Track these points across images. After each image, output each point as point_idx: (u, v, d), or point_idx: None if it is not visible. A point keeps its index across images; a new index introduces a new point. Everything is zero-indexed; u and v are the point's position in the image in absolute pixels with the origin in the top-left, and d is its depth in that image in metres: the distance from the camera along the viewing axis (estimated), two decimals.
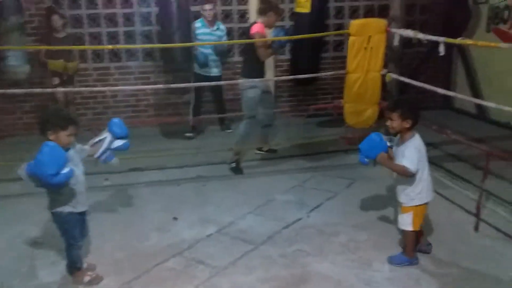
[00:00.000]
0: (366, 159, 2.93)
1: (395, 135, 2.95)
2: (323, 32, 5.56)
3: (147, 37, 6.44)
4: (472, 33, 6.51)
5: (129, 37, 6.38)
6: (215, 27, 5.76)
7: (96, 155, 2.87)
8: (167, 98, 6.56)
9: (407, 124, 2.76)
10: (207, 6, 5.60)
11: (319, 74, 5.22)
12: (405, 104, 2.83)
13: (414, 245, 2.95)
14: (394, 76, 4.55)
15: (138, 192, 4.28)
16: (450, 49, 6.81)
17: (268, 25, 4.61)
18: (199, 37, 5.65)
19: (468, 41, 3.21)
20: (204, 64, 5.69)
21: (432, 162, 4.03)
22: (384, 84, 4.71)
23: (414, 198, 2.84)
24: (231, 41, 6.35)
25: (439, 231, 3.33)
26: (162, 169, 4.78)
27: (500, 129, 5.79)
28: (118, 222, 3.66)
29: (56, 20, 5.55)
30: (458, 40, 3.31)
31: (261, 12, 4.58)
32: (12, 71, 5.01)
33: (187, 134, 5.90)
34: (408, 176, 2.78)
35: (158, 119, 6.56)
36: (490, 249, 3.11)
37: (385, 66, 4.61)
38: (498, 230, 3.31)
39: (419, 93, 6.33)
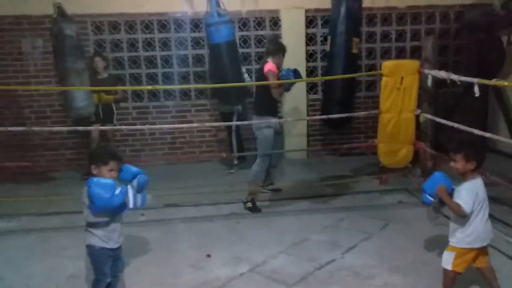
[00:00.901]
0: (430, 198, 2.88)
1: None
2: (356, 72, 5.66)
3: (184, 78, 6.71)
4: (507, 74, 6.45)
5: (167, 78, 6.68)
6: None
7: (131, 206, 2.83)
8: (202, 136, 6.76)
9: (471, 166, 2.72)
10: None
11: (352, 114, 5.26)
12: (470, 145, 2.80)
13: (451, 286, 2.86)
14: (428, 116, 4.55)
15: (173, 228, 4.36)
16: (486, 90, 6.75)
17: (277, 65, 4.71)
18: None
19: (504, 83, 3.20)
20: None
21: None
22: (418, 124, 4.70)
23: (462, 240, 2.77)
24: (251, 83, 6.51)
25: (480, 277, 3.21)
26: (196, 206, 4.86)
27: None
28: (153, 258, 3.72)
29: (98, 62, 5.88)
30: (493, 82, 3.31)
31: (271, 53, 4.73)
32: (79, 111, 5.26)
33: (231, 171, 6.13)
34: (461, 216, 2.72)
35: (193, 155, 6.72)
36: None
37: (418, 106, 4.63)
38: None
39: (454, 133, 6.32)
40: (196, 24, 6.60)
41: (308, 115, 6.78)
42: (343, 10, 5.18)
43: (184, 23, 6.57)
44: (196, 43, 6.68)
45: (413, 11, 6.83)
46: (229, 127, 6.19)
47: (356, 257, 3.63)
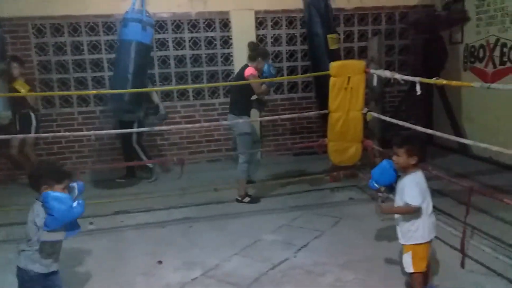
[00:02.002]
0: (376, 184, 2.98)
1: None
2: None
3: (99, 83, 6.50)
4: (450, 72, 6.74)
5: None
6: None
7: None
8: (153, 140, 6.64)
9: (413, 161, 2.75)
10: None
11: (302, 114, 5.32)
12: (412, 140, 2.81)
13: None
14: (375, 114, 4.67)
15: (123, 235, 4.23)
16: (430, 88, 7.03)
17: (258, 69, 4.92)
18: None
19: (443, 81, 3.32)
20: None
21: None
22: (366, 123, 4.82)
23: (412, 236, 2.76)
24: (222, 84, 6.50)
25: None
26: (148, 211, 4.75)
27: (482, 163, 5.90)
28: (102, 268, 3.59)
29: (13, 68, 5.50)
30: (433, 80, 3.43)
31: (251, 58, 4.97)
32: None
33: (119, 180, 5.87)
34: (414, 212, 2.73)
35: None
36: (477, 285, 3.10)
37: (366, 105, 4.74)
38: (484, 265, 3.31)
39: (401, 130, 6.54)
40: None
41: (260, 116, 6.79)
42: (312, 11, 5.33)
43: None
44: None
45: (360, 12, 7.00)
46: (129, 137, 5.81)
47: (309, 255, 3.66)
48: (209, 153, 6.64)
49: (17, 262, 2.62)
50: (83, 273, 3.46)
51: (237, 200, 4.97)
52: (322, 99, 5.36)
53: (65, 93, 6.29)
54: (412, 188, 2.72)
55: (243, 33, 6.46)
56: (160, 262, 3.65)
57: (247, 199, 4.96)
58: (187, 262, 3.62)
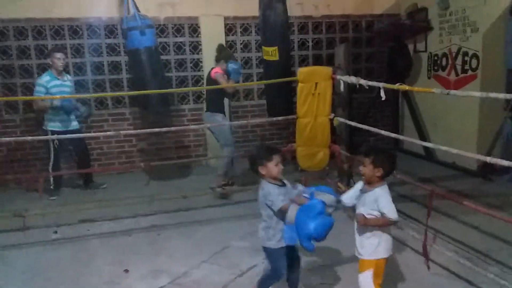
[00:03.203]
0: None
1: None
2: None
3: (99, 86, 6.45)
4: (414, 80, 6.93)
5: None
6: (64, 78, 5.47)
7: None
8: (121, 146, 6.53)
9: (378, 173, 2.62)
10: (59, 55, 5.33)
11: (271, 119, 5.34)
12: (379, 152, 2.71)
13: None
14: (342, 120, 4.74)
15: (88, 244, 4.13)
16: (397, 95, 7.20)
17: (222, 70, 5.28)
18: (52, 90, 5.26)
19: (405, 87, 3.41)
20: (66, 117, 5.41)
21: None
22: (333, 128, 4.89)
23: (376, 250, 2.65)
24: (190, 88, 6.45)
25: (390, 271, 3.37)
26: (114, 219, 4.65)
27: (447, 169, 6.06)
28: (65, 278, 3.49)
29: None
30: (396, 86, 3.51)
31: (216, 60, 5.46)
32: None
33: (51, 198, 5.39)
34: (392, 224, 2.62)
35: (112, 167, 6.45)
36: None
37: (333, 110, 4.81)
38: (446, 269, 3.40)
39: (369, 136, 6.66)
40: (111, 30, 6.37)
41: (231, 116, 6.79)
42: (260, 20, 5.30)
43: (98, 28, 6.31)
44: (112, 49, 6.44)
45: (327, 20, 7.12)
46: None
47: None
48: (179, 159, 6.58)
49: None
50: (46, 284, 3.35)
51: (211, 188, 5.30)
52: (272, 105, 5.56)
53: (28, 98, 6.08)
54: (389, 201, 2.61)
55: (212, 38, 6.44)
56: (126, 271, 3.58)
57: (222, 189, 5.25)
58: (154, 270, 3.56)
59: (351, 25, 7.24)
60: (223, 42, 6.58)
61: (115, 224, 4.57)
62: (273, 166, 2.70)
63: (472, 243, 3.77)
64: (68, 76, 5.68)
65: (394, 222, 2.62)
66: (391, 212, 2.57)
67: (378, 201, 2.60)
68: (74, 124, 5.49)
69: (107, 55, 6.42)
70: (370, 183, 2.69)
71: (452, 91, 3.12)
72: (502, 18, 5.59)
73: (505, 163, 2.74)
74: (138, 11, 5.39)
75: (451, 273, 3.34)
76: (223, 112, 5.43)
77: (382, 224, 2.62)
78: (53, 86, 5.31)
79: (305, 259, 3.62)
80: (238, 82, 5.42)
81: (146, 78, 5.37)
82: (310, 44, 7.12)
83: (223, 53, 5.41)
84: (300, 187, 2.83)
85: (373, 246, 2.65)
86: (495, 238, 3.85)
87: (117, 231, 4.39)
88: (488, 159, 2.95)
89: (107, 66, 6.44)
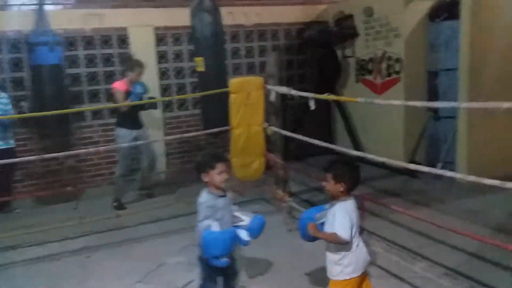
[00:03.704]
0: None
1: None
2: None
3: None
4: (344, 84, 7.16)
5: None
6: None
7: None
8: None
9: (341, 188, 2.52)
10: None
11: (205, 132, 5.27)
12: (340, 166, 2.59)
13: None
14: (275, 129, 4.78)
15: (11, 273, 3.85)
16: (328, 100, 7.38)
17: (130, 81, 5.23)
18: None
19: (332, 97, 3.50)
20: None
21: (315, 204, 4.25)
22: (267, 137, 4.91)
23: (342, 271, 2.55)
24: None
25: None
26: (40, 245, 4.37)
27: (378, 169, 6.28)
28: None
29: None
30: (324, 96, 3.60)
31: (122, 72, 5.65)
32: None
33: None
34: (342, 244, 2.50)
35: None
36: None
37: (266, 119, 4.84)
38: (378, 266, 3.50)
39: (303, 142, 6.77)
40: (14, 44, 5.91)
41: (165, 134, 6.65)
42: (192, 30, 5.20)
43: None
44: (15, 64, 5.95)
45: (259, 29, 7.18)
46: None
47: None
48: (110, 175, 6.33)
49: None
50: None
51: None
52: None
53: None
54: (342, 217, 2.49)
55: (142, 49, 6.30)
56: None
57: (114, 203, 5.31)
58: None
59: (283, 32, 7.36)
60: (154, 53, 6.46)
61: (41, 249, 4.28)
62: (216, 175, 2.65)
63: (402, 241, 3.92)
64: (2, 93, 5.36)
65: (344, 241, 2.47)
66: (340, 230, 2.46)
67: (335, 217, 2.52)
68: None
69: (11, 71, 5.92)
70: (334, 198, 2.60)
71: (376, 100, 3.24)
72: (422, 24, 5.93)
73: (425, 169, 2.87)
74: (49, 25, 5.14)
75: (381, 270, 3.44)
76: (126, 127, 5.27)
77: (331, 240, 2.53)
78: None
79: (247, 268, 3.60)
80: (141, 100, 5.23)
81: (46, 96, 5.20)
82: (243, 52, 7.14)
83: (128, 64, 5.44)
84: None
85: (339, 266, 2.56)
86: (423, 235, 4.02)
87: (43, 257, 4.13)
88: (412, 166, 3.09)
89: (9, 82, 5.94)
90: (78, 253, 4.19)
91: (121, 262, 3.95)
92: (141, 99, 5.20)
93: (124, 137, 5.24)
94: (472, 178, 2.70)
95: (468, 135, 5.35)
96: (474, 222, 4.17)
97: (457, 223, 4.01)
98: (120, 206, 5.33)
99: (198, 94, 5.11)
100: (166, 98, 6.72)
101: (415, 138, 5.98)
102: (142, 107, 5.39)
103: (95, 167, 6.42)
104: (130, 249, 4.22)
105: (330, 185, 2.56)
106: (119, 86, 5.23)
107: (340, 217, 2.49)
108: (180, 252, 4.07)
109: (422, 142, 6.04)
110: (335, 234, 2.47)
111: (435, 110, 5.85)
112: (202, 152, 2.97)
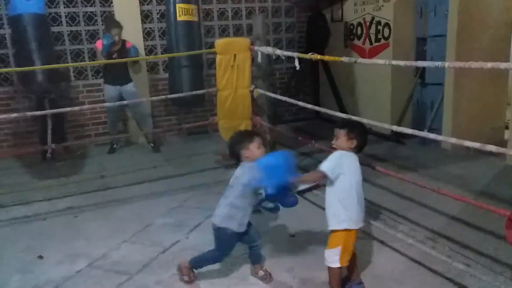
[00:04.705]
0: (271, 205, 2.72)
1: None
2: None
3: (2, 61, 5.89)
4: (332, 49, 7.09)
5: None
6: None
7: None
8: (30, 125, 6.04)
9: (351, 145, 2.57)
10: None
11: (192, 92, 5.19)
12: (354, 125, 2.69)
13: (340, 281, 2.67)
14: (262, 91, 4.74)
15: None
16: (316, 64, 7.34)
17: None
18: None
19: (317, 56, 3.45)
20: None
21: (305, 169, 4.28)
22: (254, 100, 4.88)
23: (343, 221, 2.54)
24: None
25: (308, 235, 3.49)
26: (26, 204, 4.35)
27: None
28: None
29: None
30: (309, 55, 3.54)
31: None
32: None
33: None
34: (321, 178, 2.58)
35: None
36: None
37: (253, 82, 4.80)
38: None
39: (291, 105, 6.77)
40: None
41: (151, 96, 6.56)
42: None
43: None
44: None
45: None
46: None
47: (201, 235, 3.63)
48: (96, 137, 6.28)
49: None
50: None
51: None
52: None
53: None
54: (332, 157, 2.56)
55: (126, 8, 6.12)
56: (40, 257, 3.38)
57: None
58: (71, 255, 3.40)
59: None
60: (138, 12, 6.28)
61: (26, 208, 4.27)
62: (256, 149, 2.73)
63: (386, 204, 4.00)
64: None
65: (322, 174, 2.51)
66: (324, 165, 2.52)
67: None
68: None
69: None
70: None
71: (359, 59, 3.22)
72: None
73: (409, 131, 2.89)
74: None
75: (363, 232, 3.50)
76: (110, 83, 5.63)
77: (314, 178, 2.67)
78: None
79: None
80: (109, 54, 5.39)
81: (31, 51, 4.84)
82: (230, 14, 6.99)
83: (105, 24, 5.75)
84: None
85: (337, 218, 2.56)
86: (406, 199, 4.11)
87: (29, 216, 4.12)
88: (395, 127, 3.11)
89: None
90: (65, 212, 4.18)
91: (108, 223, 3.96)
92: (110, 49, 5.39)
93: (108, 92, 5.62)
94: (453, 140, 2.74)
95: (454, 101, 5.39)
96: (459, 187, 4.26)
97: (441, 187, 4.08)
98: (110, 150, 5.95)
99: (179, 54, 4.92)
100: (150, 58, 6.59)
101: (402, 105, 6.01)
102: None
103: (82, 128, 6.35)
104: (117, 210, 4.22)
105: (342, 141, 2.58)
106: (98, 45, 5.52)
107: (330, 156, 2.56)
108: (167, 213, 4.10)
109: (409, 109, 6.08)
110: (317, 170, 2.55)
111: (422, 77, 5.86)
112: (234, 133, 2.96)
